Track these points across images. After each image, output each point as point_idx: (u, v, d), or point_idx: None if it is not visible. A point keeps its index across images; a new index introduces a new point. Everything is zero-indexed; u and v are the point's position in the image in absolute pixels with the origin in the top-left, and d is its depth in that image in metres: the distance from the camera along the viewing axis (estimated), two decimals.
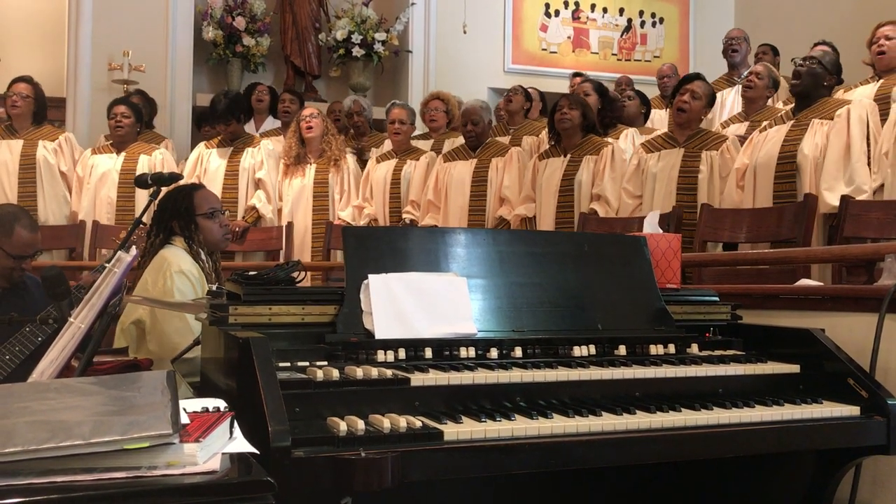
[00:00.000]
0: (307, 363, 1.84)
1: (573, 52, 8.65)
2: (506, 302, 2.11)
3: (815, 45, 5.37)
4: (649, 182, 4.60)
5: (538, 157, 5.18)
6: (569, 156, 4.97)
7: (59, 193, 5.72)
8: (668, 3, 8.96)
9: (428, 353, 1.93)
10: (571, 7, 8.66)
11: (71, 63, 6.78)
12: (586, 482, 2.19)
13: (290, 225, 5.64)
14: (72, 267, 4.89)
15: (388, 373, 1.78)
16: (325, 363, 1.84)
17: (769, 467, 2.22)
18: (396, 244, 2.10)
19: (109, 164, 5.68)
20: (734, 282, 3.57)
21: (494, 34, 8.31)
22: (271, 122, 6.79)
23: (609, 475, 2.18)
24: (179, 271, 2.91)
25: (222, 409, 1.53)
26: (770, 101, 5.35)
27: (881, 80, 4.72)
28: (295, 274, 2.08)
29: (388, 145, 5.97)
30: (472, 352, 1.97)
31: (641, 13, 8.90)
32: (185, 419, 1.35)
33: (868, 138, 4.07)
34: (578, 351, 2.07)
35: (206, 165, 5.80)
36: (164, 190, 3.25)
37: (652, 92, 7.06)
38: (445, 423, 1.67)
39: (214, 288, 2.21)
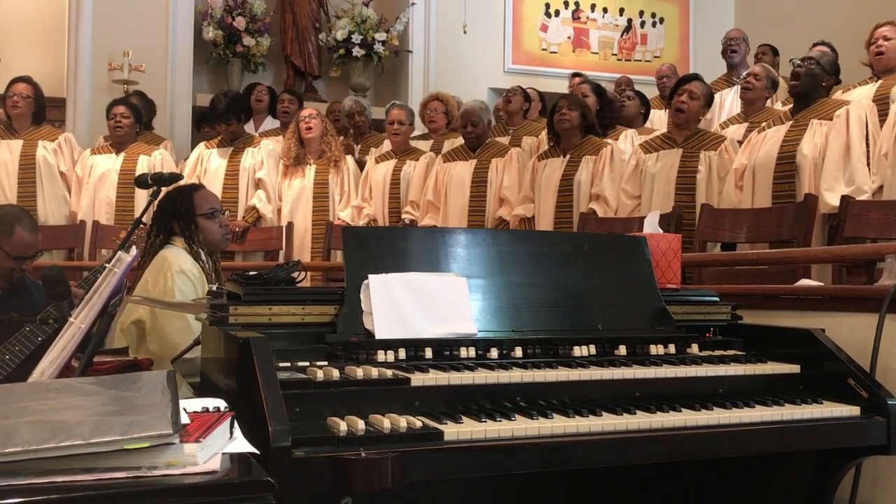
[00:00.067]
0: (307, 363, 1.84)
1: (573, 52, 8.65)
2: (506, 302, 2.11)
3: (814, 45, 5.37)
4: (648, 182, 4.61)
5: (537, 157, 5.19)
6: (568, 156, 4.97)
7: (59, 194, 5.72)
8: (668, 3, 8.96)
9: (428, 353, 1.93)
10: (571, 7, 8.66)
11: (71, 63, 6.78)
12: (587, 482, 2.19)
13: (290, 225, 5.64)
14: (72, 267, 4.89)
15: (389, 373, 1.78)
16: (326, 363, 1.84)
17: (769, 467, 2.22)
18: (396, 244, 2.10)
19: (109, 165, 5.68)
20: (734, 282, 3.57)
21: (494, 34, 8.31)
22: (270, 122, 6.79)
23: (609, 475, 2.18)
24: (180, 271, 2.91)
25: (222, 409, 1.53)
26: (769, 101, 5.35)
27: (880, 81, 4.72)
28: (295, 274, 2.08)
29: (387, 145, 5.97)
30: (472, 352, 1.97)
31: (641, 13, 8.90)
32: (185, 419, 1.35)
33: (867, 139, 4.07)
34: (579, 351, 2.07)
35: (207, 165, 5.80)
36: (164, 190, 3.25)
37: (652, 92, 7.06)
38: (446, 424, 1.67)
39: (214, 288, 2.21)
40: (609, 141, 5.08)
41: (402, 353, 1.91)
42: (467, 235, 2.18)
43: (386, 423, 1.63)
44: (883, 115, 4.20)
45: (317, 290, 2.13)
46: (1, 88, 5.87)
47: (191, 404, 1.52)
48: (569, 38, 8.64)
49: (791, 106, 4.47)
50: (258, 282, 2.01)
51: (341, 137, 6.12)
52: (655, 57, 8.80)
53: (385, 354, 1.89)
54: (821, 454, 2.10)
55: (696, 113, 4.63)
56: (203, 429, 1.30)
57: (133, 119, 5.74)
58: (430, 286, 2.03)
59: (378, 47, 7.70)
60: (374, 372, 1.77)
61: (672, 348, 2.18)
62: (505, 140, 5.90)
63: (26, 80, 5.64)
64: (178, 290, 2.86)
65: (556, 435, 1.71)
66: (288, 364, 1.82)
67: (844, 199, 3.84)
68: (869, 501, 2.27)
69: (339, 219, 5.68)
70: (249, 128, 6.39)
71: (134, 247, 2.19)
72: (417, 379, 1.77)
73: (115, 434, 1.19)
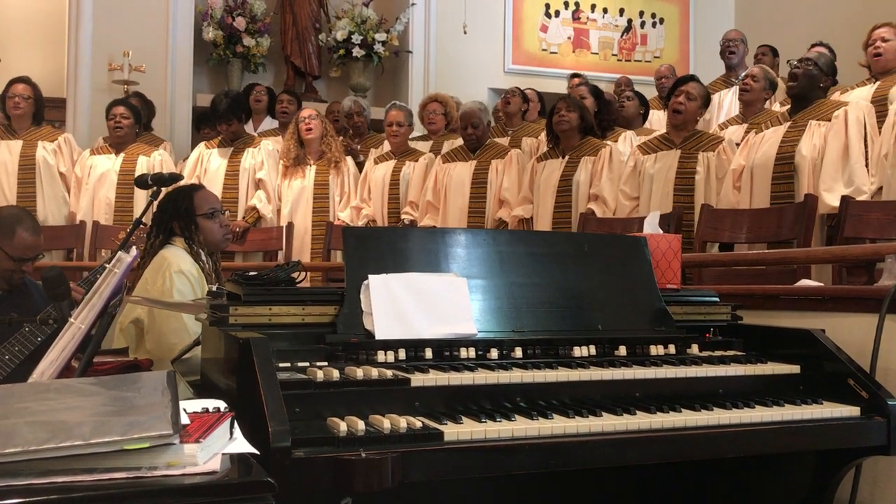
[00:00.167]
0: (307, 363, 1.84)
1: (573, 52, 8.64)
2: (506, 302, 2.11)
3: (812, 46, 5.37)
4: (646, 183, 4.61)
5: (536, 159, 5.20)
6: (567, 157, 4.98)
7: (59, 194, 5.72)
8: (669, 3, 8.96)
9: (428, 353, 1.93)
10: (571, 7, 8.66)
11: (71, 63, 6.78)
12: (587, 482, 2.19)
13: (290, 225, 5.64)
14: (71, 267, 4.89)
15: (389, 373, 1.78)
16: (326, 363, 1.85)
17: (769, 468, 2.22)
18: (397, 245, 2.10)
19: (108, 165, 5.68)
20: (734, 282, 3.57)
21: (494, 35, 8.31)
22: (269, 123, 6.79)
23: (609, 475, 2.18)
24: (179, 271, 2.91)
25: (222, 409, 1.53)
26: (767, 102, 5.35)
27: (878, 83, 4.71)
28: (295, 274, 2.08)
29: (387, 146, 5.97)
30: (472, 352, 1.97)
31: (641, 13, 8.90)
32: (185, 420, 1.34)
33: (865, 140, 4.07)
34: (578, 351, 2.08)
35: (207, 165, 5.81)
36: (164, 190, 3.25)
37: (652, 93, 7.07)
38: (445, 424, 1.67)
39: (214, 288, 2.21)
40: (608, 142, 5.08)
41: (402, 354, 1.91)
42: (467, 236, 2.18)
43: (386, 423, 1.63)
44: (881, 116, 4.20)
45: (317, 290, 2.13)
46: (0, 88, 5.87)
47: (191, 405, 1.52)
48: (569, 38, 8.64)
49: (789, 107, 4.47)
50: (258, 282, 2.01)
51: (341, 138, 6.11)
52: (655, 57, 8.80)
53: (385, 355, 1.89)
54: (821, 454, 2.10)
55: (694, 114, 4.64)
56: (203, 429, 1.30)
57: (133, 119, 5.74)
58: (431, 286, 2.03)
59: (378, 48, 7.70)
60: (374, 372, 1.77)
61: (672, 349, 2.18)
62: (504, 141, 5.90)
63: (25, 80, 5.64)
64: (177, 291, 2.86)
65: (556, 435, 1.71)
66: (288, 364, 1.82)
67: (844, 199, 3.84)
68: (869, 502, 2.27)
69: (338, 219, 5.68)
70: (248, 128, 6.39)
71: (134, 247, 2.19)
72: (417, 379, 1.77)
73: (115, 434, 1.19)
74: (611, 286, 2.26)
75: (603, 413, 1.81)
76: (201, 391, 2.12)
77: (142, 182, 3.33)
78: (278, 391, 1.57)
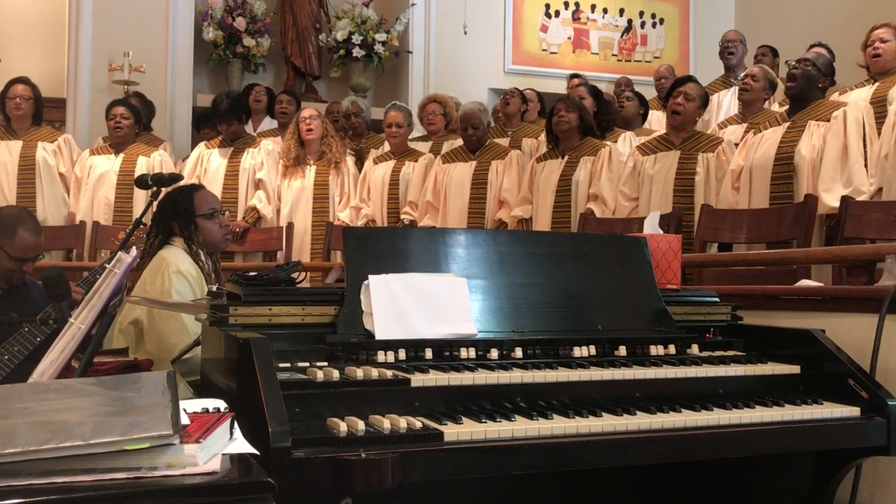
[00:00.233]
0: (307, 364, 1.84)
1: (573, 52, 8.64)
2: (506, 302, 2.11)
3: (811, 46, 5.37)
4: (646, 184, 4.61)
5: (536, 159, 5.20)
6: (566, 157, 4.99)
7: (58, 195, 5.72)
8: (668, 3, 8.96)
9: (428, 353, 1.93)
10: (571, 8, 8.65)
11: (71, 63, 6.78)
12: (587, 482, 2.19)
13: (290, 226, 5.64)
14: (71, 268, 4.89)
15: (389, 373, 1.78)
16: (326, 364, 1.85)
17: (769, 468, 2.22)
18: (397, 245, 2.10)
19: (108, 165, 5.68)
20: (734, 282, 3.57)
21: (495, 35, 8.31)
22: (269, 123, 6.79)
23: (610, 475, 2.18)
24: (178, 272, 2.91)
25: (222, 409, 1.53)
26: (766, 103, 5.35)
27: (877, 84, 4.71)
28: (295, 275, 2.08)
29: (387, 146, 5.97)
30: (472, 352, 1.97)
31: (641, 14, 8.90)
32: (185, 420, 1.34)
33: (864, 140, 4.07)
34: (579, 351, 2.07)
35: (207, 165, 5.81)
36: (164, 191, 3.25)
37: (652, 93, 7.07)
38: (445, 424, 1.67)
39: (215, 288, 2.21)
40: (607, 143, 5.09)
41: (402, 354, 1.91)
42: (467, 236, 2.18)
43: (386, 423, 1.63)
44: (880, 117, 4.20)
45: (317, 290, 2.13)
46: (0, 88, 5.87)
47: (191, 405, 1.52)
48: (569, 38, 8.63)
49: (787, 107, 4.47)
50: (258, 282, 2.01)
51: (341, 139, 6.11)
52: (655, 57, 8.80)
53: (385, 355, 1.89)
54: (821, 455, 2.10)
55: (693, 114, 4.64)
56: (203, 429, 1.30)
57: (132, 120, 5.74)
58: (431, 287, 2.03)
59: (378, 48, 7.70)
60: (374, 372, 1.77)
61: (672, 349, 2.18)
62: (504, 142, 5.90)
63: (25, 80, 5.64)
64: (176, 291, 2.86)
65: (556, 436, 1.71)
66: (288, 364, 1.82)
67: (845, 199, 3.84)
68: (869, 502, 2.27)
69: (338, 219, 5.68)
70: (247, 128, 6.39)
71: (134, 247, 2.19)
72: (417, 379, 1.77)
73: (115, 435, 1.19)
74: (611, 286, 2.26)
75: (603, 413, 1.81)
76: (201, 391, 2.12)
77: (142, 182, 3.33)
78: (278, 391, 1.57)
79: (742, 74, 5.78)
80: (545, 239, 2.41)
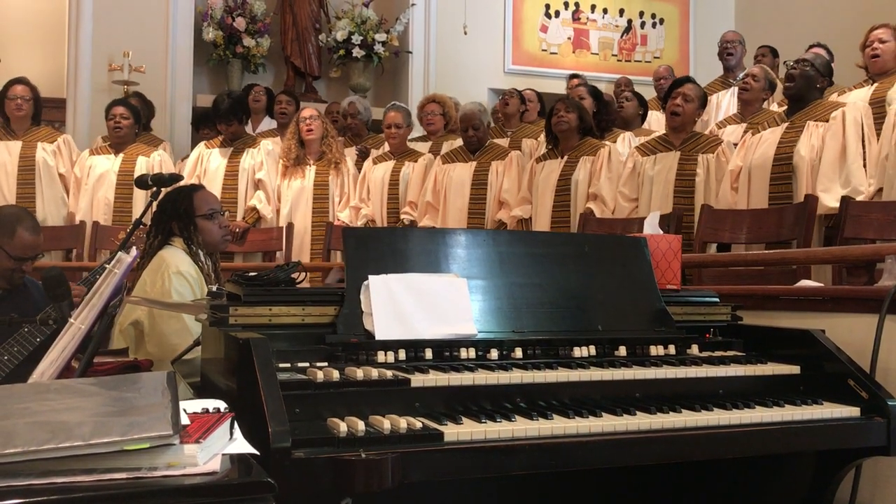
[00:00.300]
0: (307, 364, 1.84)
1: (573, 52, 8.64)
2: (506, 303, 2.11)
3: (810, 47, 5.37)
4: (646, 185, 4.62)
5: (535, 160, 5.20)
6: (566, 157, 4.99)
7: (58, 195, 5.72)
8: (668, 3, 8.96)
9: (428, 353, 1.93)
10: (571, 8, 8.66)
11: (71, 64, 6.78)
12: (587, 482, 2.19)
13: (290, 226, 5.64)
14: (71, 268, 4.89)
15: (389, 374, 1.78)
16: (326, 364, 1.84)
17: (769, 468, 2.22)
18: (397, 245, 2.10)
19: (107, 166, 5.68)
20: (734, 283, 3.57)
21: (494, 35, 8.31)
22: (268, 123, 6.79)
23: (610, 475, 2.18)
24: (177, 272, 2.91)
25: (222, 409, 1.53)
26: (765, 103, 5.36)
27: (875, 84, 4.71)
28: (295, 275, 2.08)
29: (387, 146, 5.97)
30: (472, 353, 1.97)
31: (641, 14, 8.90)
32: (185, 420, 1.34)
33: (863, 141, 4.07)
34: (578, 352, 2.07)
35: (206, 165, 5.81)
36: (164, 191, 3.25)
37: (652, 93, 7.07)
38: (445, 424, 1.67)
39: (214, 289, 2.21)
40: (607, 143, 5.09)
41: (402, 354, 1.91)
42: (467, 236, 2.18)
43: (386, 423, 1.63)
44: (879, 117, 4.20)
45: (317, 290, 2.13)
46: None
47: (191, 405, 1.52)
48: (569, 38, 8.64)
49: (785, 108, 4.47)
50: (258, 283, 2.01)
51: (342, 139, 6.12)
52: (655, 58, 8.80)
53: (385, 355, 1.89)
54: (821, 455, 2.10)
55: (692, 115, 4.65)
56: (203, 430, 1.30)
57: (132, 120, 5.74)
58: (431, 287, 2.03)
59: (378, 48, 7.70)
60: (374, 373, 1.77)
61: (672, 349, 2.18)
62: (503, 142, 5.90)
63: (24, 81, 5.64)
64: (176, 292, 2.86)
65: (556, 436, 1.71)
66: (288, 365, 1.82)
67: (845, 199, 3.84)
68: (869, 502, 2.27)
69: (338, 220, 5.68)
70: (247, 128, 6.39)
71: (134, 247, 2.19)
72: (417, 380, 1.77)
73: (115, 435, 1.19)
74: (611, 287, 2.26)
75: (603, 413, 1.81)
76: (201, 391, 2.12)
77: (142, 182, 3.33)
78: (278, 391, 1.57)
79: (742, 74, 5.78)
80: (545, 239, 2.41)
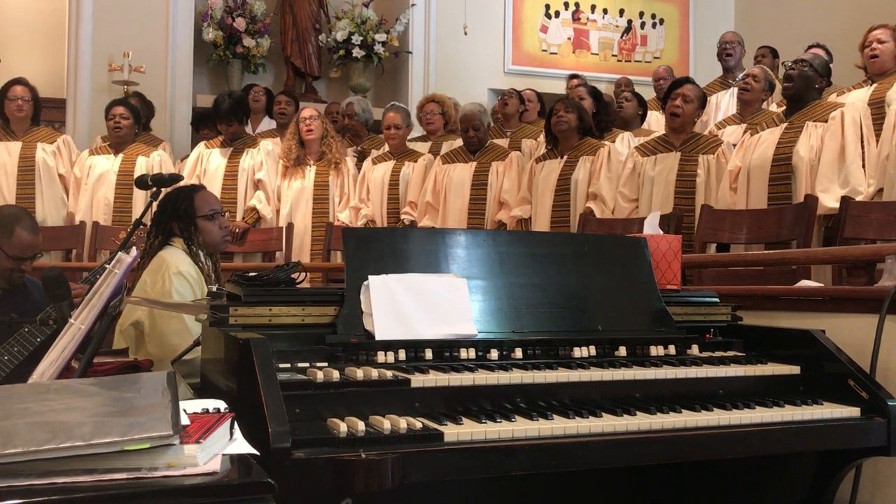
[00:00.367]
0: (307, 364, 1.84)
1: (573, 53, 8.64)
2: (506, 303, 2.11)
3: (810, 47, 5.37)
4: (647, 185, 4.62)
5: (535, 160, 5.21)
6: (565, 157, 4.99)
7: (58, 196, 5.72)
8: (668, 4, 8.96)
9: (428, 354, 1.93)
10: (571, 8, 8.66)
11: (71, 64, 6.78)
12: (587, 482, 2.19)
13: (290, 226, 5.64)
14: (71, 268, 4.89)
15: (389, 374, 1.78)
16: (326, 364, 1.85)
17: (770, 468, 2.22)
18: (397, 245, 2.10)
19: (107, 166, 5.68)
20: (734, 283, 3.57)
21: (494, 35, 8.31)
22: (267, 123, 6.79)
23: (610, 475, 2.18)
24: (178, 273, 2.91)
25: (222, 410, 1.53)
26: (764, 103, 5.36)
27: (875, 85, 4.71)
28: (295, 275, 2.08)
29: (387, 146, 5.97)
30: (472, 353, 1.97)
31: (641, 14, 8.90)
32: (185, 420, 1.34)
33: (862, 141, 4.07)
34: (579, 352, 2.07)
35: (206, 165, 5.81)
36: (164, 191, 3.25)
37: (652, 93, 7.07)
38: (446, 425, 1.67)
39: (214, 289, 2.21)
40: (606, 143, 5.10)
41: (402, 354, 1.91)
42: (467, 236, 2.18)
43: (386, 424, 1.63)
44: (878, 118, 4.20)
45: (317, 291, 2.13)
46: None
47: (191, 405, 1.52)
48: (569, 39, 8.64)
49: (783, 108, 4.47)
50: (258, 283, 2.01)
51: (342, 139, 6.12)
52: (655, 58, 8.80)
53: (385, 355, 1.89)
54: (821, 455, 2.10)
55: (692, 116, 4.65)
56: (203, 430, 1.30)
57: (132, 120, 5.74)
58: (431, 287, 2.03)
59: (378, 48, 7.70)
60: (374, 373, 1.77)
61: (672, 349, 2.18)
62: (503, 142, 5.90)
63: (23, 82, 5.64)
64: (176, 292, 2.86)
65: (556, 436, 1.71)
66: (288, 365, 1.82)
67: (845, 199, 3.85)
68: (869, 503, 2.27)
69: (338, 220, 5.68)
70: (246, 129, 6.39)
71: (134, 248, 2.18)
72: (417, 380, 1.77)
73: (115, 435, 1.19)
74: (611, 287, 2.26)
75: (603, 414, 1.81)
76: (201, 392, 2.12)
77: (142, 183, 3.33)
78: (278, 392, 1.57)
79: (741, 75, 5.78)
80: (545, 239, 2.41)
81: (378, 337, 1.92)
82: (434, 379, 1.79)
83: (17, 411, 1.31)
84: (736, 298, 2.53)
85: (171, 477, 1.20)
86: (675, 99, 4.60)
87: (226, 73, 7.72)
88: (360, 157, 6.13)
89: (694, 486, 2.29)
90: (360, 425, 1.60)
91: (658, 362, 2.08)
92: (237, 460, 1.31)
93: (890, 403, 1.98)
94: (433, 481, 1.69)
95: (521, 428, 1.69)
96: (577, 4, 8.67)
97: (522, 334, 2.07)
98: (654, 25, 8.94)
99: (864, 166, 4.03)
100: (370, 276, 1.98)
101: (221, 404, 1.58)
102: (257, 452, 1.35)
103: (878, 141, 4.06)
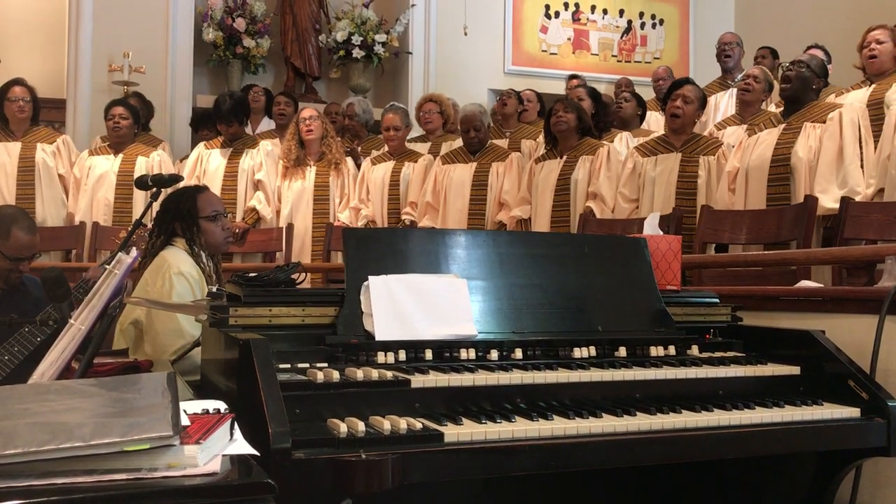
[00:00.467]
0: (307, 365, 1.84)
1: (573, 53, 8.65)
2: (506, 303, 2.11)
3: (808, 48, 5.37)
4: (647, 186, 4.62)
5: (535, 160, 5.21)
6: (565, 157, 5.00)
7: (57, 196, 5.72)
8: (668, 4, 8.96)
9: (428, 354, 1.93)
10: (571, 8, 8.66)
11: (71, 64, 6.78)
12: (587, 483, 2.19)
13: (290, 226, 5.64)
14: (71, 268, 4.89)
15: (389, 374, 1.78)
16: (326, 365, 1.85)
17: (769, 469, 2.22)
18: (397, 246, 2.10)
19: (107, 166, 5.68)
20: (734, 283, 3.57)
21: (494, 36, 8.31)
22: (267, 124, 6.79)
23: (610, 475, 2.18)
24: (179, 273, 2.91)
25: (222, 410, 1.53)
26: (764, 104, 5.36)
27: (873, 85, 4.71)
28: (295, 276, 2.08)
29: (386, 147, 5.97)
30: (472, 353, 1.97)
31: (641, 14, 8.90)
32: (185, 421, 1.34)
33: (860, 142, 4.07)
34: (579, 352, 2.07)
35: (206, 166, 5.81)
36: (164, 191, 3.25)
37: (652, 94, 7.07)
38: (446, 425, 1.67)
39: (215, 289, 2.21)
40: (605, 143, 5.10)
41: (402, 355, 1.91)
42: (468, 237, 2.18)
43: (386, 424, 1.63)
44: (876, 119, 4.21)
45: (317, 291, 2.13)
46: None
47: (191, 406, 1.52)
48: (569, 39, 8.64)
49: (781, 109, 4.47)
50: (258, 283, 2.01)
51: (341, 139, 6.11)
52: (655, 58, 8.80)
53: (385, 356, 1.89)
54: (821, 456, 2.10)
55: (692, 117, 4.66)
56: (203, 430, 1.30)
57: (131, 120, 5.74)
58: (431, 287, 2.03)
59: (378, 49, 7.70)
60: (375, 373, 1.77)
61: (672, 350, 2.18)
62: (502, 143, 5.91)
63: (22, 82, 5.64)
64: (176, 293, 2.86)
65: (556, 436, 1.71)
66: (288, 365, 1.82)
67: (844, 200, 3.85)
68: (869, 503, 2.27)
69: (338, 220, 5.68)
70: (246, 129, 6.39)
71: (134, 248, 2.19)
72: (417, 380, 1.77)
73: (115, 436, 1.19)
74: (611, 287, 2.26)
75: (603, 414, 1.80)
76: (201, 392, 2.12)
77: (142, 183, 3.33)
78: (278, 392, 1.57)
79: (741, 75, 5.78)
80: (545, 240, 2.41)
81: (378, 337, 1.92)
82: (434, 379, 1.79)
83: (18, 412, 1.31)
84: (736, 299, 2.53)
85: (171, 477, 1.20)
86: (675, 100, 4.61)
87: (226, 74, 7.72)
88: (352, 156, 6.11)
89: (694, 486, 2.29)
90: (361, 426, 1.60)
91: (658, 363, 2.08)
92: (237, 461, 1.31)
93: (890, 404, 1.99)
94: (433, 482, 1.69)
95: (521, 428, 1.69)
96: (577, 5, 8.67)
97: (522, 335, 2.07)
98: (653, 26, 8.94)
99: (862, 167, 4.03)
100: (370, 277, 1.98)
101: (221, 405, 1.58)
102: (257, 453, 1.35)
103: (876, 141, 4.07)
